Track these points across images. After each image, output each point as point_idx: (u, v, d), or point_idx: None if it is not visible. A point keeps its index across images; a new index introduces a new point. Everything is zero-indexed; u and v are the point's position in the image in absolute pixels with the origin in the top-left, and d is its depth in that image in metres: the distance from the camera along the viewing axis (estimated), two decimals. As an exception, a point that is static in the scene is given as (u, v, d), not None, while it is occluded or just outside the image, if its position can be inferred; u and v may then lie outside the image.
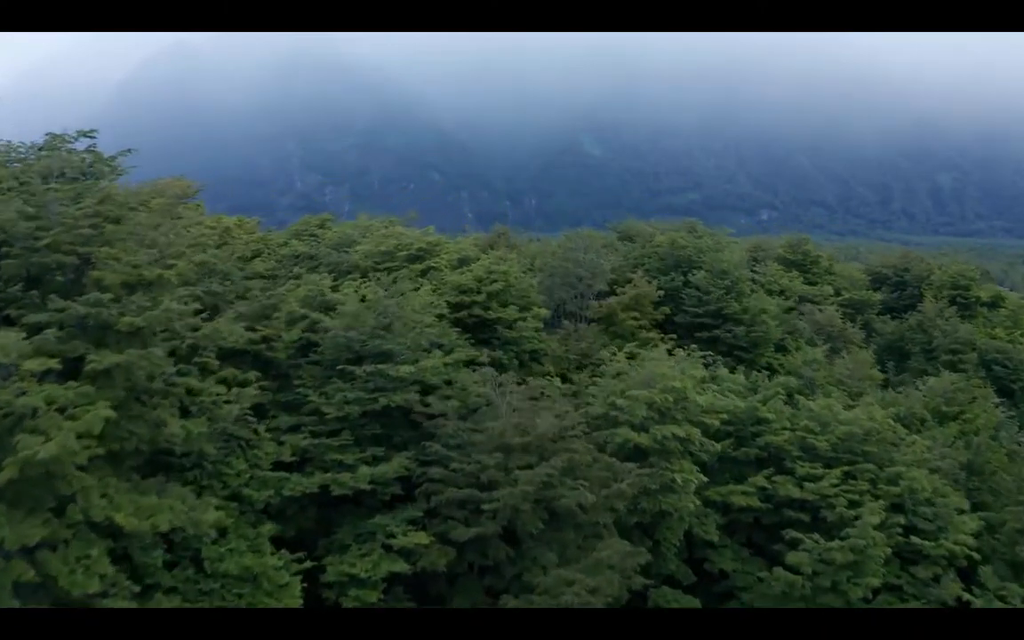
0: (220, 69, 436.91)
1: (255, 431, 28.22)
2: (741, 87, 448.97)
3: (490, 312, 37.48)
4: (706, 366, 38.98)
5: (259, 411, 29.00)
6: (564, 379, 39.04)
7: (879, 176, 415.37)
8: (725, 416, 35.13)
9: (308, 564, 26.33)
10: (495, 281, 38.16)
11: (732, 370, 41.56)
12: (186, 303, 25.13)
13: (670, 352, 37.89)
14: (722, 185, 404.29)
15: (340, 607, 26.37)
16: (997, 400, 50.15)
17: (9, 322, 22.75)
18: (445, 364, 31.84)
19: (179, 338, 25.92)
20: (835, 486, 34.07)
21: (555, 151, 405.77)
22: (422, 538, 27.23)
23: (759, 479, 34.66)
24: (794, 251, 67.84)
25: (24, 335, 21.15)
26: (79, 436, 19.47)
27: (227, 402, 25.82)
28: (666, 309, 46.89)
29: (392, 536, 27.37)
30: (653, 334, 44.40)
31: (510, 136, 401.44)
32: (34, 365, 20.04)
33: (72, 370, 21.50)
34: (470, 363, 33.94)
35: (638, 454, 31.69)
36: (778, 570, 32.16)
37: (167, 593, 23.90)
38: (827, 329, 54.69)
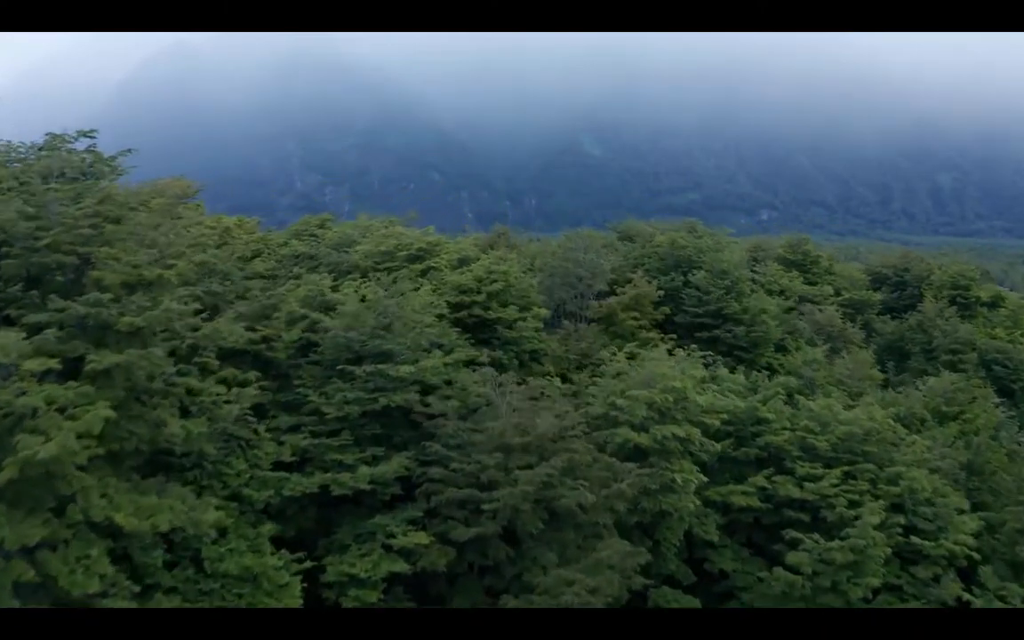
0: (220, 69, 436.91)
1: (255, 431, 28.22)
2: (741, 87, 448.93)
3: (490, 312, 37.48)
4: (706, 366, 38.97)
5: (259, 411, 29.00)
6: (564, 379, 39.04)
7: (879, 176, 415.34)
8: (725, 416, 35.12)
9: (308, 564, 26.32)
10: (495, 281, 38.15)
11: (732, 370, 41.55)
12: (186, 303, 25.14)
13: (670, 352, 37.88)
14: (722, 185, 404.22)
15: (340, 607, 26.37)
16: (997, 400, 50.14)
17: (9, 322, 22.75)
18: (445, 364, 31.84)
19: (179, 338, 25.92)
20: (835, 486, 34.04)
21: (555, 151, 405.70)
22: (422, 538, 27.22)
23: (759, 479, 34.64)
24: (794, 251, 67.84)
25: (24, 335, 21.14)
26: (79, 436, 19.46)
27: (227, 402, 25.82)
28: (666, 309, 46.88)
29: (392, 536, 27.36)
30: (653, 334, 44.38)
31: (510, 136, 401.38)
32: (34, 365, 20.03)
33: (72, 370, 21.50)
34: (470, 363, 33.93)
35: (638, 454, 31.68)
36: (778, 570, 32.15)
37: (167, 593, 23.90)
38: (827, 329, 54.69)
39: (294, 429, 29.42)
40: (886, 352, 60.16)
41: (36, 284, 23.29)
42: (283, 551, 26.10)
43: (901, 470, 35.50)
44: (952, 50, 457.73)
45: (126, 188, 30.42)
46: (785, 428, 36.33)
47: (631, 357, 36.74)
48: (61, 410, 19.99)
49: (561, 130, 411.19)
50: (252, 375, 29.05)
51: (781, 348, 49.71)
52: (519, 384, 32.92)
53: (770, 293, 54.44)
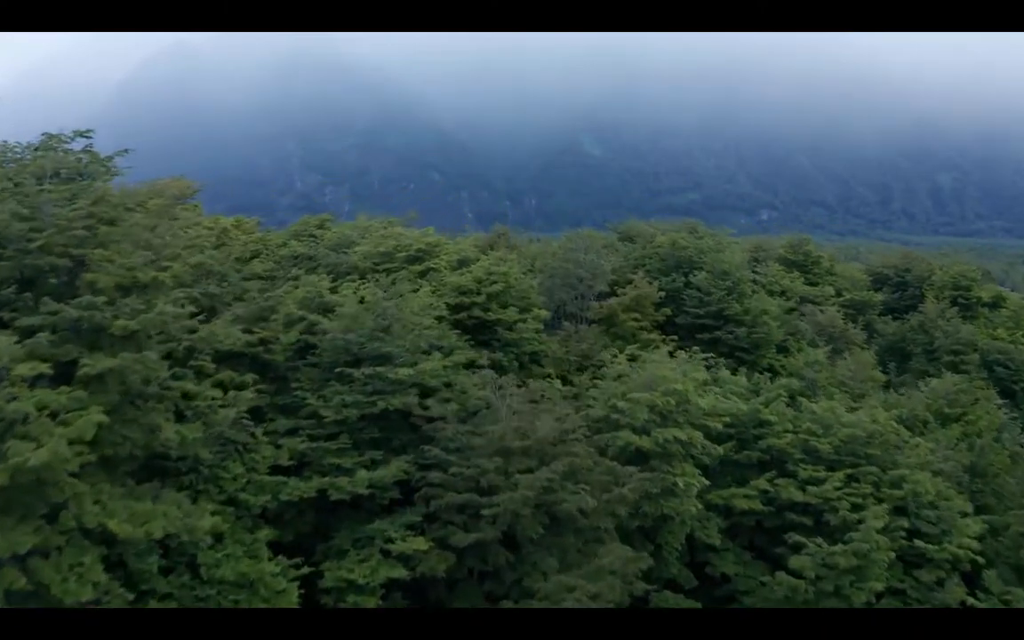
0: (220, 69, 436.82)
1: (252, 435, 27.87)
2: (741, 87, 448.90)
3: (490, 313, 37.19)
4: (708, 368, 38.68)
5: (256, 414, 28.67)
6: (564, 381, 38.78)
7: (879, 176, 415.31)
8: (727, 419, 34.81)
9: (305, 570, 25.97)
10: (495, 282, 37.87)
11: (734, 372, 41.27)
12: (182, 306, 24.83)
13: (671, 354, 37.61)
14: (722, 185, 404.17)
15: (339, 608, 26.04)
16: (999, 402, 49.93)
17: (2, 325, 22.43)
18: (444, 367, 31.52)
19: (175, 341, 25.61)
20: (838, 489, 33.75)
21: (555, 151, 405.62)
22: (421, 544, 26.88)
23: (761, 482, 34.36)
24: (795, 251, 67.67)
25: (16, 339, 20.83)
26: (71, 443, 19.12)
27: (222, 406, 25.45)
28: (667, 310, 46.59)
29: (391, 541, 27.01)
30: (654, 335, 44.11)
31: (510, 136, 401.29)
32: (25, 370, 19.71)
33: (65, 374, 21.18)
34: (470, 365, 33.64)
35: (639, 457, 31.39)
36: (781, 574, 31.88)
37: (162, 599, 23.57)
38: (828, 330, 54.48)
39: (292, 432, 29.09)
40: (887, 353, 59.92)
41: (29, 286, 22.95)
42: (280, 557, 25.76)
43: (904, 473, 35.23)
44: (952, 50, 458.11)
45: (123, 188, 30.11)
46: (787, 431, 36.04)
47: (632, 359, 36.47)
48: (53, 416, 19.67)
49: (561, 130, 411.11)
50: (249, 378, 28.72)
51: (783, 349, 49.45)
52: (519, 386, 32.63)
53: (771, 294, 54.20)
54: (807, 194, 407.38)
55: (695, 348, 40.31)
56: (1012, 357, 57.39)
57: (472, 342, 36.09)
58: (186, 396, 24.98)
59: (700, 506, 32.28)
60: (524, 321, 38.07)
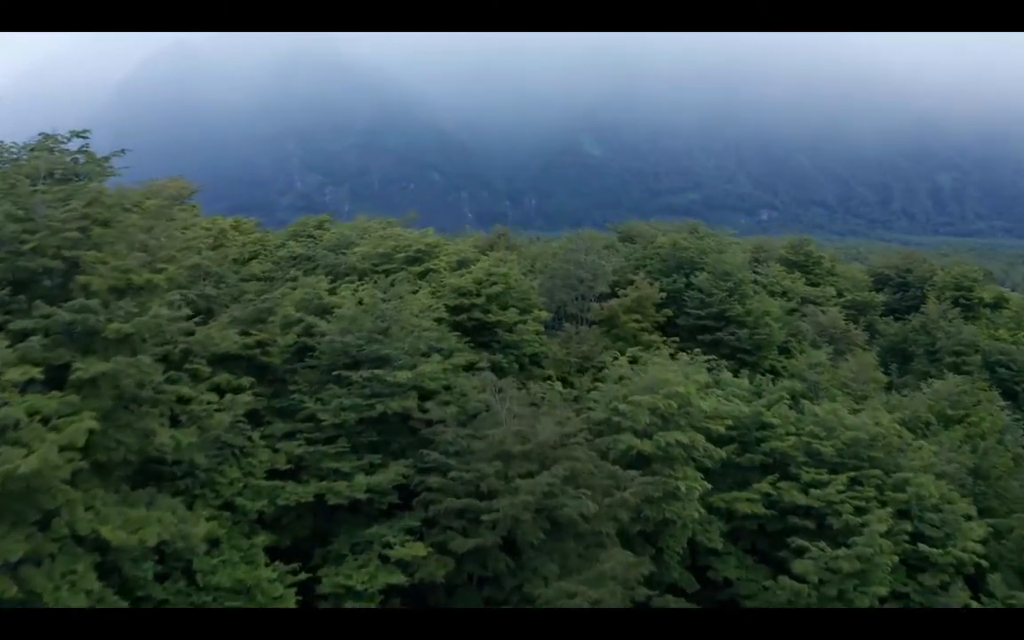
0: (220, 69, 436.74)
1: (249, 438, 27.56)
2: (741, 87, 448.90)
3: (490, 315, 36.88)
4: (709, 370, 38.37)
5: (253, 417, 28.35)
6: (565, 383, 38.44)
7: (879, 176, 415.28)
8: (729, 422, 34.50)
9: (303, 576, 25.63)
10: (495, 283, 37.56)
11: (735, 373, 40.97)
12: (179, 308, 24.51)
13: (673, 356, 37.24)
14: (722, 185, 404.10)
15: (339, 608, 25.71)
16: (1002, 403, 49.62)
17: (-4, 328, 22.11)
18: (444, 369, 31.21)
19: (171, 343, 25.29)
20: (841, 492, 33.43)
21: (555, 151, 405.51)
22: (420, 549, 26.54)
23: (764, 485, 34.06)
24: (796, 252, 67.46)
25: (8, 342, 20.51)
26: (62, 449, 18.76)
27: (218, 410, 25.09)
28: (668, 311, 46.28)
29: (389, 546, 26.68)
30: (655, 337, 43.81)
31: (510, 136, 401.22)
32: (16, 375, 19.37)
33: (58, 378, 20.85)
34: (469, 367, 33.34)
35: (641, 461, 31.06)
36: (783, 579, 31.59)
37: (157, 606, 23.24)
38: (830, 331, 54.19)
39: (289, 436, 28.76)
40: (889, 354, 59.63)
41: (22, 289, 22.60)
42: (277, 562, 25.43)
43: (908, 476, 34.90)
44: (952, 50, 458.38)
45: (119, 189, 29.79)
46: (790, 433, 35.72)
47: (633, 361, 36.16)
48: (45, 421, 19.33)
49: (561, 130, 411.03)
50: (246, 381, 28.39)
51: (784, 351, 49.13)
52: (519, 388, 32.31)
53: (772, 294, 53.92)
54: (807, 194, 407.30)
55: (697, 350, 39.98)
56: (1014, 358, 57.11)
57: (472, 344, 35.80)
58: (181, 400, 24.63)
59: (702, 510, 31.95)
60: (524, 323, 37.77)
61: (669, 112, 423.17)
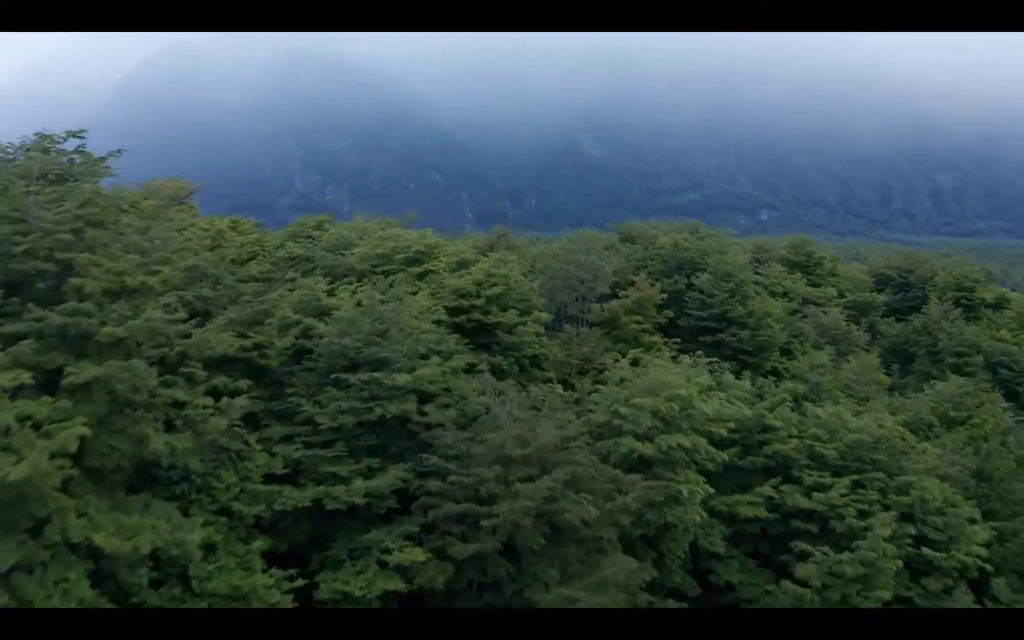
0: (220, 69, 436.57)
1: (246, 442, 27.21)
2: (741, 87, 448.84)
3: (490, 316, 36.56)
4: (711, 372, 38.05)
5: (250, 421, 28.01)
6: (566, 385, 38.14)
7: (879, 176, 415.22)
8: (732, 424, 34.18)
9: (300, 582, 25.26)
10: (495, 284, 37.25)
11: (737, 375, 40.67)
12: (175, 310, 24.19)
13: (674, 358, 36.90)
14: (722, 185, 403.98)
15: (338, 608, 25.41)
16: (1004, 404, 49.31)
17: (-11, 331, 21.76)
18: (443, 371, 30.87)
19: (168, 346, 24.96)
20: (844, 496, 33.12)
21: (555, 151, 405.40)
22: (419, 554, 26.20)
23: (766, 489, 33.72)
24: (797, 252, 67.26)
25: (0, 346, 20.19)
26: (53, 456, 18.43)
27: (212, 415, 24.73)
28: (669, 312, 46.00)
29: (388, 552, 26.33)
30: (656, 338, 43.54)
31: (510, 136, 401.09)
32: (6, 380, 19.03)
33: (51, 383, 20.51)
34: (469, 369, 33.02)
35: (642, 464, 30.73)
36: (786, 583, 31.25)
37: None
38: (832, 332, 53.94)
39: (287, 439, 28.40)
40: (890, 355, 59.35)
41: (15, 292, 22.27)
42: (274, 568, 25.09)
43: (912, 479, 34.59)
44: (952, 50, 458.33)
45: (116, 190, 29.49)
46: (792, 436, 35.41)
47: (635, 363, 35.84)
48: (37, 427, 19.00)
49: (561, 130, 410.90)
50: (243, 383, 28.02)
51: (786, 352, 48.87)
52: (519, 391, 31.99)
53: (773, 295, 53.69)
54: (807, 194, 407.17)
55: (699, 352, 39.65)
56: (1016, 359, 56.83)
57: (471, 346, 35.48)
58: (176, 404, 24.27)
59: (703, 513, 31.64)
60: (524, 324, 37.47)
61: (669, 112, 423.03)
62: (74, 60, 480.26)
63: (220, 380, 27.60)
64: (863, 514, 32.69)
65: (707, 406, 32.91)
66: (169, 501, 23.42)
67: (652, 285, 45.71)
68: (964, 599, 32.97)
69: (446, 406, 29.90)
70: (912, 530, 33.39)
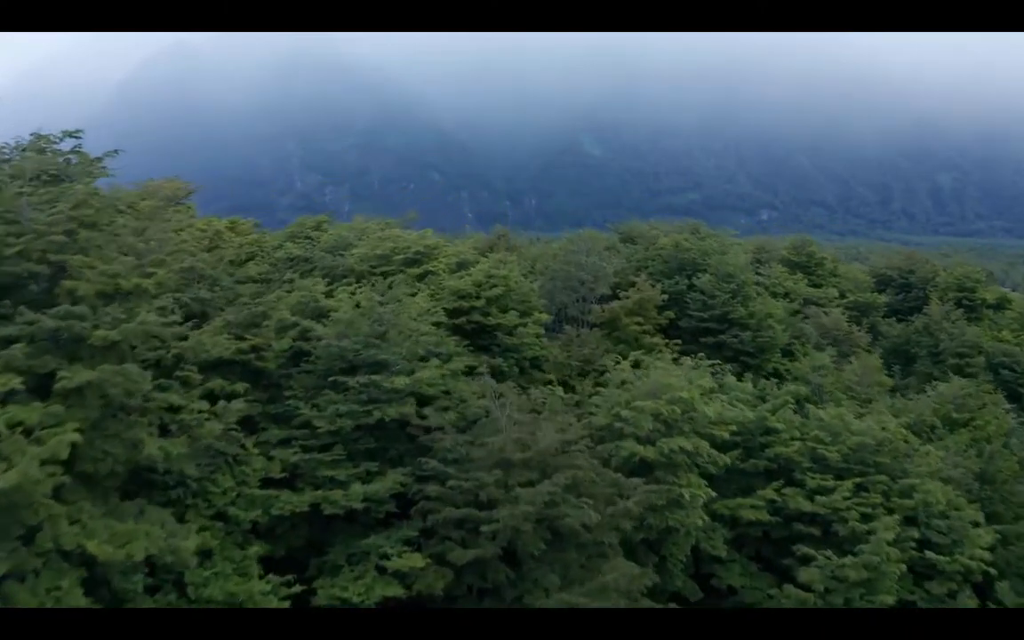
0: (220, 69, 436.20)
1: (243, 446, 26.87)
2: (741, 87, 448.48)
3: (489, 318, 36.27)
4: (713, 374, 37.75)
5: (248, 424, 27.67)
6: (566, 387, 37.88)
7: (879, 176, 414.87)
8: (734, 427, 33.89)
9: (297, 588, 24.93)
10: (495, 286, 36.96)
11: (739, 377, 40.41)
12: (170, 313, 23.85)
13: (675, 359, 36.58)
14: (722, 185, 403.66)
15: (337, 608, 25.09)
16: (1007, 406, 49.01)
17: (-19, 334, 21.42)
18: (442, 374, 30.55)
19: (163, 349, 24.64)
20: (847, 499, 32.86)
21: (555, 151, 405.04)
22: (418, 560, 25.88)
23: (768, 492, 33.46)
24: (798, 253, 66.98)
25: (-9, 350, 19.89)
26: (44, 462, 18.10)
27: (208, 419, 24.40)
28: (670, 313, 45.72)
29: (386, 557, 26.02)
30: (657, 339, 43.27)
31: (510, 136, 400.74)
32: (-4, 385, 18.73)
33: (43, 387, 20.18)
34: (469, 372, 32.70)
35: (643, 468, 30.46)
36: (789, 587, 30.99)
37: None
38: (833, 333, 53.67)
39: (284, 443, 28.06)
40: (892, 356, 59.07)
41: (7, 294, 21.93)
42: (271, 574, 24.76)
43: (915, 482, 34.34)
44: (952, 50, 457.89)
45: (113, 190, 29.17)
46: (795, 438, 35.12)
47: (636, 365, 35.53)
48: (28, 432, 18.67)
49: (561, 130, 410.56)
50: (240, 386, 27.64)
51: (788, 353, 48.60)
52: (520, 393, 31.67)
53: (775, 296, 53.42)
54: (807, 194, 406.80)
55: (700, 354, 39.36)
56: (1018, 360, 56.59)
57: (471, 348, 35.19)
58: (172, 408, 23.93)
59: (705, 517, 31.36)
60: (524, 325, 37.19)
61: (669, 112, 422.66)
62: (74, 60, 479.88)
63: (216, 383, 27.24)
64: (866, 517, 32.46)
65: (709, 409, 32.62)
66: (164, 507, 23.09)
67: (653, 286, 45.43)
68: (968, 603, 32.76)
69: (445, 409, 29.60)
70: (915, 533, 33.13)
